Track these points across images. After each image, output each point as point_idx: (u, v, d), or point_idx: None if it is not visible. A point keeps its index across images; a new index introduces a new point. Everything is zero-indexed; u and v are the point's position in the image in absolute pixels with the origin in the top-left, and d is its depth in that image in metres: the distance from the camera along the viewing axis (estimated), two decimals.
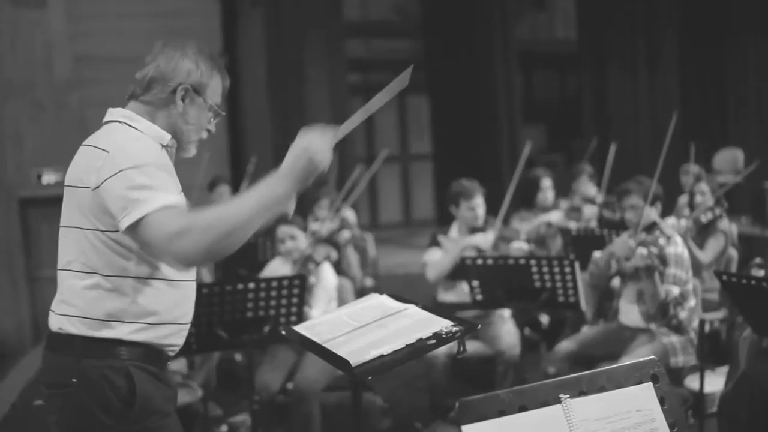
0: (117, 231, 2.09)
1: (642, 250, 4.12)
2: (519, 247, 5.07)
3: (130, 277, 2.15)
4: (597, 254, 4.57)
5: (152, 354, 2.22)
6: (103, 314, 2.14)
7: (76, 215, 2.16)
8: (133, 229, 2.04)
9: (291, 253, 4.68)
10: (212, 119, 2.33)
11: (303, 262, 4.63)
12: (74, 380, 2.13)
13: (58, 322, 2.19)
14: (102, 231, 2.12)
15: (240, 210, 2.03)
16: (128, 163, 2.06)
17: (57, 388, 2.17)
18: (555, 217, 6.42)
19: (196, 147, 2.35)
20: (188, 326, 2.33)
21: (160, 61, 2.24)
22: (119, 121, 2.22)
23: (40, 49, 7.71)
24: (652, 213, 4.43)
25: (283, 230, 4.69)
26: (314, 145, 2.10)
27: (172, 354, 2.30)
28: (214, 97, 2.30)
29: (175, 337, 2.27)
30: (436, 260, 5.06)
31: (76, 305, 2.16)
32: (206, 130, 2.33)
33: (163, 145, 2.22)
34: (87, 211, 2.12)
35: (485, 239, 4.99)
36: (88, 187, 2.11)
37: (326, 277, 4.66)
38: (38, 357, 6.71)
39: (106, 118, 2.26)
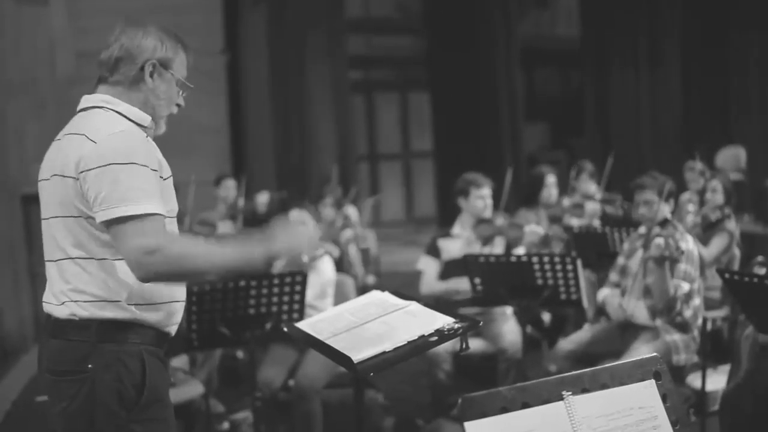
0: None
1: (659, 240, 4.08)
2: (533, 230, 5.06)
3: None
4: (604, 297, 4.56)
5: (161, 336, 2.26)
6: (116, 296, 2.16)
7: (66, 205, 2.16)
8: (108, 225, 2.07)
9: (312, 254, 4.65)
10: (181, 93, 2.35)
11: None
12: (90, 366, 2.13)
13: (68, 309, 2.17)
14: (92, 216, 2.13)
15: (215, 259, 2.14)
16: (116, 158, 2.07)
17: (68, 375, 2.16)
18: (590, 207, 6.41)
19: (165, 123, 2.36)
20: (184, 303, 2.36)
21: (124, 40, 2.26)
22: (98, 107, 2.23)
23: (43, 46, 7.71)
24: (665, 209, 4.42)
25: (295, 215, 4.69)
26: (302, 236, 2.29)
27: (172, 335, 2.33)
28: (180, 71, 2.33)
29: (176, 315, 2.31)
30: (431, 278, 5.04)
31: (86, 290, 2.16)
32: (176, 105, 2.36)
33: (144, 127, 2.25)
34: (76, 200, 2.13)
35: (537, 228, 5.05)
36: (73, 177, 2.12)
37: (323, 269, 4.63)
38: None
39: (81, 105, 2.27)
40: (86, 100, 2.27)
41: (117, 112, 2.21)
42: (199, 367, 4.94)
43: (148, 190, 2.07)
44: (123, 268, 2.13)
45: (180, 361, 4.76)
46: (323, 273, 4.64)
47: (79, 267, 2.17)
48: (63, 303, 2.18)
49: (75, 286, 2.17)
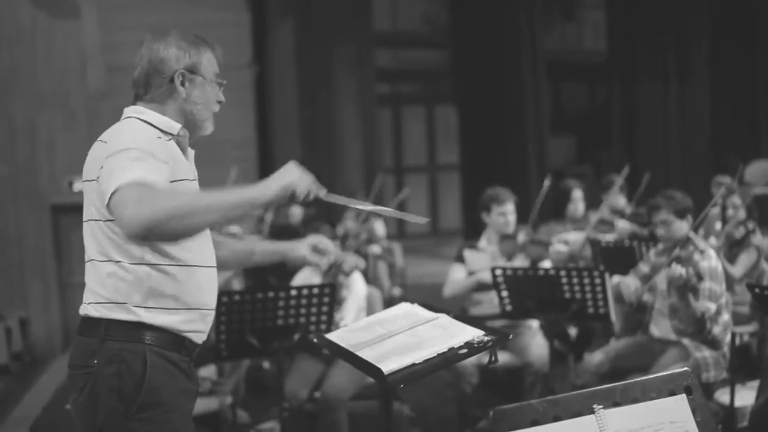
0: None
1: (679, 270, 4.05)
2: (556, 250, 5.05)
3: (146, 264, 2.20)
4: (621, 279, 4.54)
5: (176, 340, 2.26)
6: (123, 299, 2.20)
7: (90, 208, 2.24)
8: (109, 205, 2.08)
9: (320, 263, 4.68)
10: (218, 91, 2.40)
11: (333, 273, 4.64)
12: (95, 361, 2.19)
13: (84, 309, 2.27)
14: (112, 220, 2.16)
15: (210, 198, 2.10)
16: (116, 148, 2.12)
17: (79, 369, 2.24)
18: (572, 237, 6.32)
19: (212, 123, 2.41)
20: (211, 313, 2.36)
21: (148, 56, 2.32)
22: (129, 117, 2.30)
23: (74, 59, 7.82)
24: (683, 227, 4.39)
25: (312, 240, 4.69)
26: (298, 172, 2.21)
27: (198, 341, 2.33)
28: (210, 70, 2.37)
29: (197, 323, 2.30)
30: (457, 279, 5.07)
31: (98, 292, 2.23)
32: (217, 102, 2.40)
33: (173, 135, 2.29)
34: (98, 202, 2.19)
35: (576, 236, 5.04)
36: (95, 179, 2.19)
37: (357, 287, 4.67)
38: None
39: (122, 117, 2.34)
40: (124, 112, 2.34)
41: (144, 120, 2.27)
42: (226, 377, 4.97)
43: (141, 165, 2.08)
44: (138, 273, 2.19)
45: (208, 371, 4.80)
46: (357, 290, 4.66)
47: (96, 269, 2.24)
48: (84, 303, 2.28)
49: (91, 287, 2.26)
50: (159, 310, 2.22)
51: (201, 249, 2.32)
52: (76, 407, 2.25)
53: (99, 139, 2.26)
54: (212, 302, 2.37)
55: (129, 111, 2.33)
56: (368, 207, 2.47)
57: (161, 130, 2.27)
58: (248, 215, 2.25)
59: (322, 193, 2.28)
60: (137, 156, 2.10)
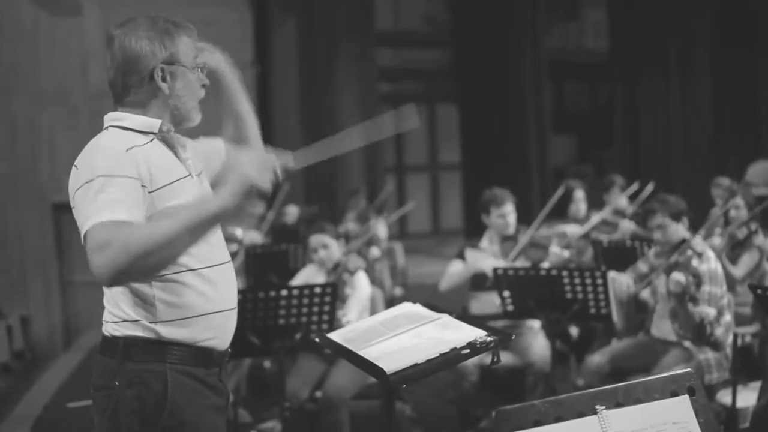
0: None
1: (678, 278, 4.04)
2: (555, 253, 5.05)
3: (155, 277, 2.11)
4: (616, 276, 4.54)
5: (200, 354, 2.19)
6: (137, 315, 2.13)
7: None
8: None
9: (324, 263, 4.69)
10: (201, 75, 2.25)
11: (337, 271, 4.64)
12: (117, 383, 2.13)
13: (103, 328, 2.21)
14: None
15: (168, 228, 1.93)
16: (82, 180, 2.00)
17: (100, 390, 2.18)
18: (570, 229, 6.34)
19: (198, 111, 2.26)
20: (232, 312, 2.27)
21: (119, 56, 2.14)
22: (107, 127, 2.17)
23: (75, 58, 7.82)
24: (680, 229, 4.39)
25: (316, 239, 4.70)
26: (248, 164, 2.00)
27: (222, 348, 2.25)
28: (188, 56, 2.20)
29: (215, 329, 2.22)
30: (453, 272, 5.07)
31: (112, 311, 2.18)
32: (201, 86, 2.25)
33: (154, 134, 2.16)
34: None
35: (574, 229, 5.02)
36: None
37: (361, 286, 4.66)
38: (70, 360, 6.80)
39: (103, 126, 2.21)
40: (104, 120, 2.21)
41: (122, 127, 2.14)
42: (227, 376, 4.96)
43: (105, 199, 1.95)
44: (148, 287, 2.11)
45: None
46: (361, 289, 4.66)
47: (108, 288, 2.17)
48: (104, 320, 2.21)
49: (107, 306, 2.20)
50: (176, 323, 2.14)
51: (210, 248, 2.21)
52: (100, 429, 2.19)
53: (75, 163, 2.09)
54: (230, 302, 2.27)
55: (107, 119, 2.18)
56: (344, 149, 2.33)
57: (141, 132, 2.14)
58: (216, 226, 2.12)
59: (290, 163, 2.14)
60: (101, 186, 1.96)
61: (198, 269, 2.17)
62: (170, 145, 2.21)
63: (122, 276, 1.92)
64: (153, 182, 2.08)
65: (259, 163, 2.01)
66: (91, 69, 7.78)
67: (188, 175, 2.21)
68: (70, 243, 7.70)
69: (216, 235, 2.27)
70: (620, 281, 4.51)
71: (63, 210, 7.69)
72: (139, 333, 2.13)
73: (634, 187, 7.14)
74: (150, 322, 2.13)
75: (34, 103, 7.69)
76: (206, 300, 2.19)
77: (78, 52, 7.83)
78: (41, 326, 7.60)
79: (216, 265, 2.24)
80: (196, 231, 1.97)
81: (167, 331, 2.13)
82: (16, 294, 7.53)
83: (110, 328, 2.18)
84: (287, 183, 7.90)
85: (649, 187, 7.21)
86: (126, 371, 2.13)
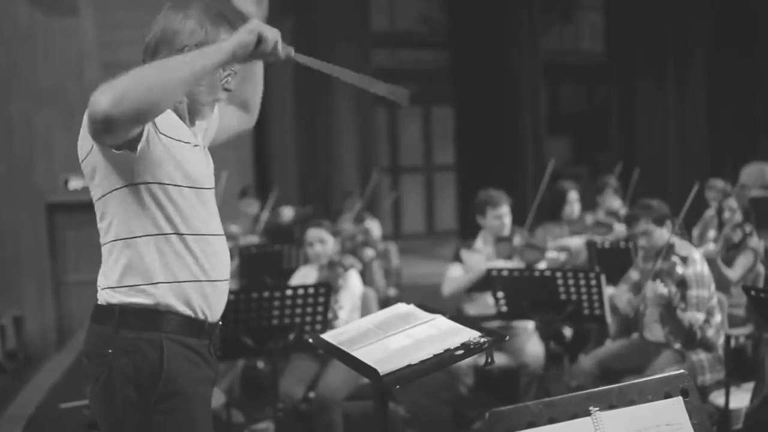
0: (117, 189, 2.09)
1: (661, 290, 4.02)
2: (552, 259, 5.05)
3: (148, 235, 2.12)
4: (614, 292, 4.54)
5: (194, 325, 2.19)
6: (130, 279, 2.13)
7: (92, 189, 2.15)
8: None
9: (319, 257, 4.70)
10: (227, 77, 2.25)
11: (331, 267, 4.65)
12: (110, 351, 2.12)
13: (98, 295, 2.20)
14: (110, 191, 2.11)
15: (171, 65, 1.97)
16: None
17: (94, 358, 2.17)
18: (575, 243, 6.32)
19: (211, 110, 2.30)
20: (224, 284, 2.27)
21: (163, 23, 2.20)
22: None
23: (72, 57, 7.82)
24: (664, 234, 4.39)
25: (313, 233, 4.71)
26: (262, 24, 2.08)
27: (212, 321, 2.24)
28: None
29: (209, 298, 2.21)
30: (455, 277, 5.06)
31: (106, 274, 2.17)
32: (223, 89, 2.26)
33: None
34: (95, 177, 2.12)
35: (577, 242, 5.02)
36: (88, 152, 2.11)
37: (353, 283, 4.67)
38: (63, 360, 6.78)
39: None
40: None
41: None
42: (221, 376, 4.96)
43: None
44: (145, 247, 2.11)
45: None
46: (353, 287, 4.67)
47: (107, 251, 2.17)
48: (98, 287, 2.20)
49: (103, 271, 2.19)
50: (169, 285, 2.13)
51: (207, 218, 2.22)
52: (92, 397, 2.18)
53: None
54: (222, 273, 2.25)
55: None
56: (344, 74, 2.33)
57: None
58: (220, 68, 2.11)
59: (291, 50, 2.15)
60: None
61: (194, 235, 2.18)
62: (181, 116, 2.23)
63: (116, 105, 1.88)
64: (166, 128, 2.11)
65: (273, 30, 2.08)
66: (88, 69, 7.77)
67: (198, 145, 2.23)
68: (64, 243, 7.70)
69: (214, 207, 2.28)
70: (620, 296, 4.50)
71: (58, 210, 7.69)
72: (134, 299, 2.13)
73: (618, 168, 7.15)
74: (146, 284, 2.12)
75: (30, 102, 7.70)
76: (204, 266, 2.19)
77: (74, 52, 7.82)
78: (34, 326, 7.59)
79: (212, 235, 2.24)
80: (198, 60, 1.98)
81: (162, 294, 2.13)
82: (9, 294, 7.52)
83: (105, 295, 2.17)
84: (276, 187, 7.93)
85: (635, 175, 7.25)
86: (120, 339, 2.12)
